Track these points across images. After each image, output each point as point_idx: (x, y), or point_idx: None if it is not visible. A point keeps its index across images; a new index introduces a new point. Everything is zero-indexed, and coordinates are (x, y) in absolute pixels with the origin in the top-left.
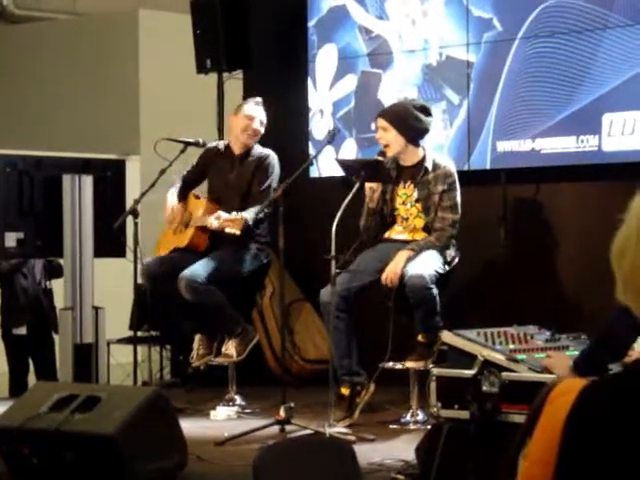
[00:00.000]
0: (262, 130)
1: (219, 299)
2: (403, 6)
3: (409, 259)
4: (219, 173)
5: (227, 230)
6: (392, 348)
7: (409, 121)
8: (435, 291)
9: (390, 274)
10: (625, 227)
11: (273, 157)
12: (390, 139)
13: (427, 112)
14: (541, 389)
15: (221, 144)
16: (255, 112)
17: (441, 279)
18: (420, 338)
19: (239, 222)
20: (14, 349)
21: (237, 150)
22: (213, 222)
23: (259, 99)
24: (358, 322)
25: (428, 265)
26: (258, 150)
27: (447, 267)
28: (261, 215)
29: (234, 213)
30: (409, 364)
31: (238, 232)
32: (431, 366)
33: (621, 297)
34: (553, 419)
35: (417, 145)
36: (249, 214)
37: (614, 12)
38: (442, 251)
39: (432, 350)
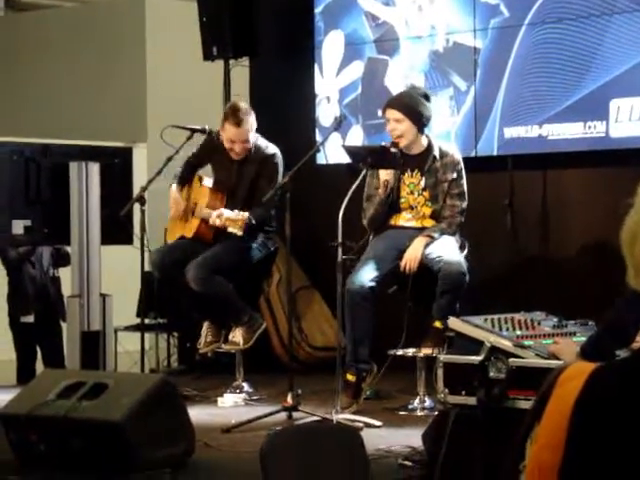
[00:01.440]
0: (249, 141)
1: (226, 289)
2: None
3: (427, 245)
4: (222, 165)
5: (229, 230)
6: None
7: (420, 110)
8: (467, 277)
9: (409, 261)
10: (634, 212)
11: (278, 156)
12: (404, 130)
13: (429, 99)
14: (548, 375)
15: (220, 137)
16: (236, 136)
17: None
18: (437, 324)
19: (241, 223)
20: (22, 337)
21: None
22: (215, 220)
23: (239, 114)
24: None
25: (457, 252)
26: (262, 146)
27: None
28: (265, 215)
29: (236, 211)
30: (425, 350)
31: (240, 233)
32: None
33: (632, 282)
34: (562, 403)
35: (422, 133)
36: (253, 214)
37: None
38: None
39: (445, 336)
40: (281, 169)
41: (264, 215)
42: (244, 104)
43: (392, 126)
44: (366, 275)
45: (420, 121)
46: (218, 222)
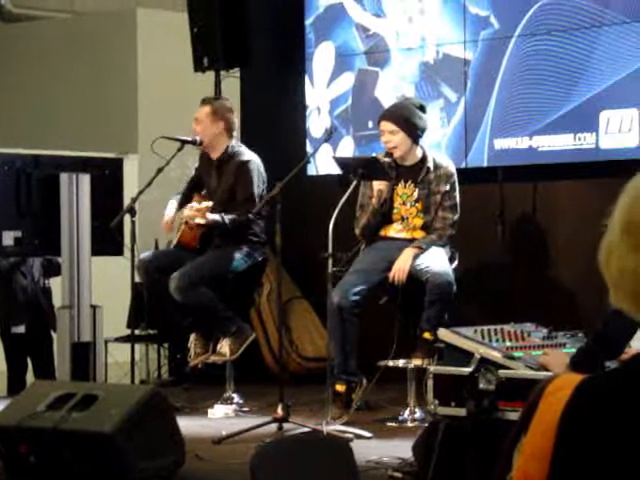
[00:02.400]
0: (198, 128)
1: (209, 300)
2: (400, 4)
3: (416, 257)
4: (207, 173)
5: (196, 220)
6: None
7: (415, 121)
8: (455, 288)
9: (398, 272)
10: (608, 232)
11: (254, 162)
12: (398, 142)
13: (424, 110)
14: (536, 386)
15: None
16: (197, 113)
17: None
18: (427, 336)
19: (203, 210)
20: (13, 348)
21: (213, 156)
22: (185, 212)
23: (207, 98)
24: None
25: (446, 262)
26: (239, 154)
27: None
28: (242, 219)
29: (203, 203)
30: (415, 362)
31: (202, 221)
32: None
33: (613, 301)
34: (548, 414)
35: (417, 144)
36: (227, 217)
37: (610, 9)
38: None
39: (434, 347)
40: (258, 175)
41: (239, 220)
42: (225, 101)
43: (387, 138)
44: (350, 288)
45: (414, 132)
46: (186, 212)
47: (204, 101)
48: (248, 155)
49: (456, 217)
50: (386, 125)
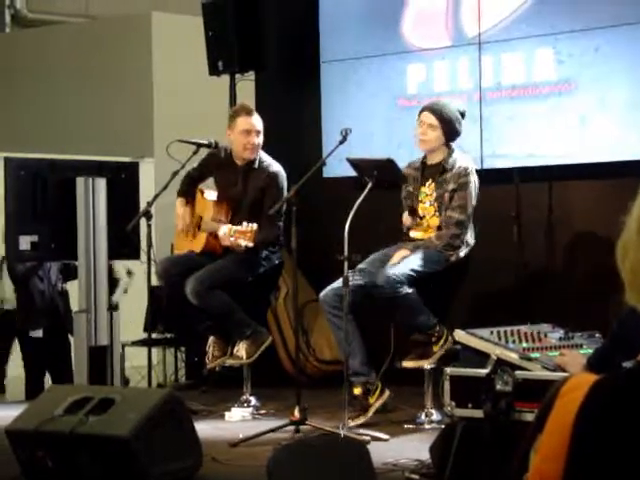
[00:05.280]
0: (261, 141)
1: (225, 303)
2: None
3: (403, 258)
4: (227, 178)
5: (239, 242)
6: (402, 348)
7: (455, 125)
8: (404, 290)
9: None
10: (626, 230)
11: (282, 175)
12: (433, 137)
13: (464, 116)
14: (551, 386)
15: (222, 152)
16: (251, 125)
17: (434, 278)
18: (413, 338)
19: (250, 234)
20: (31, 352)
21: (240, 162)
22: (226, 239)
23: (249, 107)
24: (369, 321)
25: (403, 265)
26: (265, 161)
27: (437, 267)
28: (270, 238)
29: (244, 224)
30: (406, 364)
31: (251, 244)
32: (432, 366)
33: (628, 299)
34: (564, 414)
35: (448, 146)
36: (261, 236)
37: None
38: (443, 250)
39: (431, 349)
40: (285, 189)
41: (268, 238)
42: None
43: (423, 130)
44: (337, 285)
45: (450, 134)
46: (227, 242)
47: (252, 111)
48: (276, 166)
49: (462, 217)
50: (428, 117)
